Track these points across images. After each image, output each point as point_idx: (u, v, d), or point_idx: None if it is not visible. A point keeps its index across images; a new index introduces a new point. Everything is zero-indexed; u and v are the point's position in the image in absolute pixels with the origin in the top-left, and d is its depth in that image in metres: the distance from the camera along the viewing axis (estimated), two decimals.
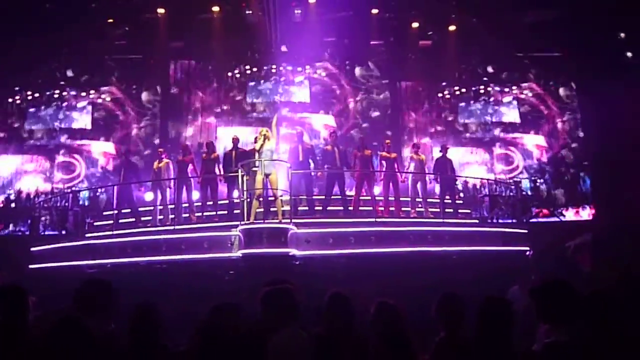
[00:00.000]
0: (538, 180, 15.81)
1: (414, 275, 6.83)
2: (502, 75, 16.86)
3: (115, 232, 8.62)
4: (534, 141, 16.61)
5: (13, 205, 14.32)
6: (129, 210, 9.91)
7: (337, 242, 7.55)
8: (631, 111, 12.78)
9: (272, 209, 8.22)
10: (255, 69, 16.50)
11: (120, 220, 9.43)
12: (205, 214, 9.60)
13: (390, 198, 9.65)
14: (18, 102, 16.00)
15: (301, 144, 9.47)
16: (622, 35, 13.94)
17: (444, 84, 16.72)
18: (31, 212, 11.73)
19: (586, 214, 15.00)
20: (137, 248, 7.85)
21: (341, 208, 9.36)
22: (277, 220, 7.74)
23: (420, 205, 9.82)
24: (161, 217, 9.68)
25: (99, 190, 14.38)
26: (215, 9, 15.11)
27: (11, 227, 12.78)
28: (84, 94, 16.21)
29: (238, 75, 16.46)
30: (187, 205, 9.61)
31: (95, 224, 10.58)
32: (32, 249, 9.35)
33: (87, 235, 9.53)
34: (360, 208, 9.48)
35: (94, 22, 14.67)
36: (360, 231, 7.82)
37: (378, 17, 15.53)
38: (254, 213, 7.74)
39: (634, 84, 13.13)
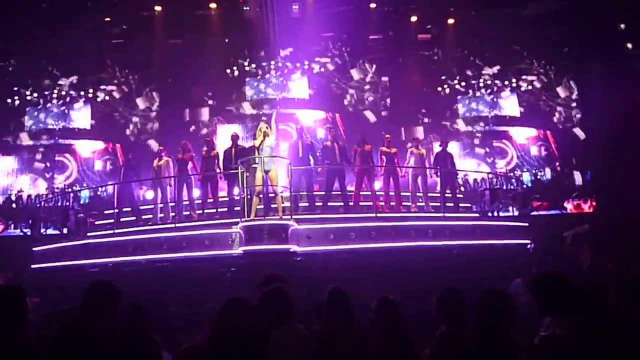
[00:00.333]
0: (539, 173, 15.80)
1: (415, 270, 6.85)
2: (501, 68, 16.80)
3: (116, 231, 8.63)
4: (534, 134, 16.59)
5: (14, 205, 14.34)
6: (129, 209, 9.92)
7: (338, 237, 7.55)
8: (631, 102, 12.74)
9: (272, 206, 8.22)
10: (253, 65, 16.46)
11: (122, 219, 9.44)
12: (205, 211, 9.62)
13: (390, 193, 9.65)
14: (17, 102, 15.98)
15: (301, 140, 9.45)
16: (622, 26, 13.87)
17: (443, 77, 16.67)
18: (32, 212, 11.75)
19: (587, 207, 14.98)
20: (139, 246, 7.86)
21: (341, 204, 9.36)
22: (278, 217, 7.75)
23: (420, 200, 9.82)
24: (162, 215, 9.69)
25: (100, 189, 14.40)
26: (213, 5, 15.07)
27: (12, 227, 12.80)
28: (82, 92, 16.19)
29: (236, 72, 16.42)
30: (187, 203, 9.62)
31: (97, 223, 10.60)
32: (34, 248, 9.36)
33: (89, 234, 9.54)
34: (361, 203, 9.48)
35: (91, 21, 14.62)
36: (361, 226, 7.83)
37: (377, 12, 15.49)
38: (254, 210, 7.75)
39: (634, 75, 13.08)
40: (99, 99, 16.29)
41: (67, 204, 12.22)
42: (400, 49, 16.21)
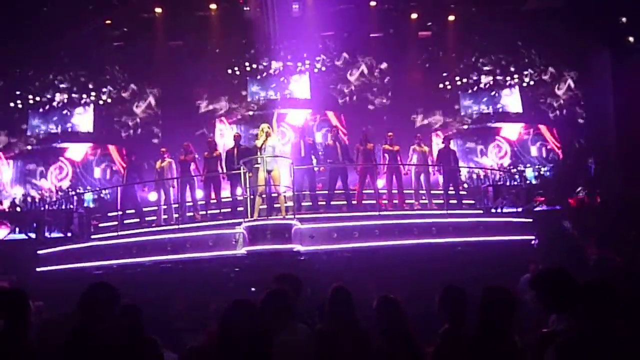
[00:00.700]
0: (542, 169, 15.74)
1: (419, 268, 6.84)
2: (502, 64, 16.73)
3: (120, 233, 8.66)
4: (535, 129, 16.51)
5: (18, 209, 14.41)
6: (133, 210, 9.95)
7: (341, 236, 7.55)
8: (634, 95, 12.68)
9: (275, 206, 8.23)
10: (254, 65, 16.45)
11: (125, 221, 9.48)
12: (209, 212, 9.64)
13: (393, 191, 9.64)
14: (20, 105, 16.04)
15: (303, 140, 9.45)
16: (624, 19, 13.78)
17: (444, 74, 16.62)
18: (37, 216, 11.81)
19: (591, 201, 14.89)
20: (143, 248, 7.89)
21: (345, 202, 9.35)
22: (281, 217, 7.76)
23: (423, 197, 9.80)
24: (165, 216, 9.72)
25: (103, 191, 14.44)
26: (213, 6, 15.07)
27: (17, 230, 12.86)
28: (84, 95, 16.23)
29: (237, 72, 16.43)
30: (191, 204, 9.64)
31: (100, 225, 10.64)
32: (39, 251, 9.41)
33: (93, 237, 9.58)
34: (364, 202, 9.47)
35: (92, 24, 14.65)
36: (364, 225, 7.83)
37: (377, 9, 15.44)
38: (257, 210, 7.76)
39: (637, 68, 13.01)
40: (100, 102, 16.34)
41: (71, 207, 12.28)
42: (401, 47, 16.16)
